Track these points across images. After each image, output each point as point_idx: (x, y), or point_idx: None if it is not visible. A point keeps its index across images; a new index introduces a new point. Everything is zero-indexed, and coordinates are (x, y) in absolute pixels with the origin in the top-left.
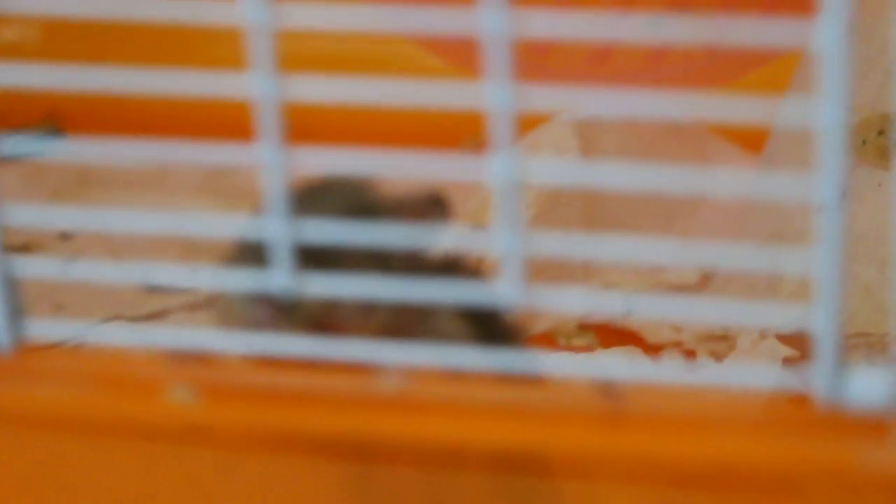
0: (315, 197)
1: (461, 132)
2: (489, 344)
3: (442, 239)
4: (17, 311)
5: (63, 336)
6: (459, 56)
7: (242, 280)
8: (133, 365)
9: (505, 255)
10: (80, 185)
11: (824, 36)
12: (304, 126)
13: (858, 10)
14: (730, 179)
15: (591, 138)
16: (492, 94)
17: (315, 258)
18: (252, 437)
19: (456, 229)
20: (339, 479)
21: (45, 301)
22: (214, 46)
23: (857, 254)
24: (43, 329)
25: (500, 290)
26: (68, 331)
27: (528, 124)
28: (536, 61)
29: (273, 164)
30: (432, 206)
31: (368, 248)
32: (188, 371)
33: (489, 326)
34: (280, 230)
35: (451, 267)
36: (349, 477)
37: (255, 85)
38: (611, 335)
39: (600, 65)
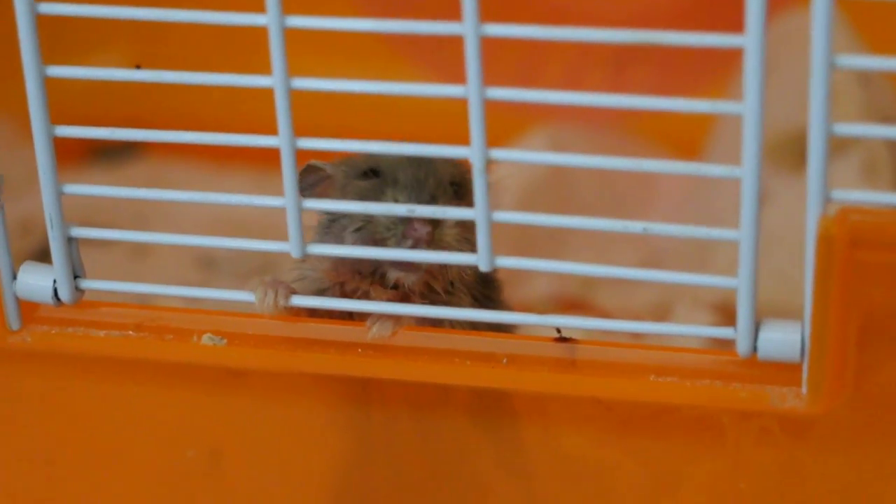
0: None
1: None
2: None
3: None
4: (76, 271)
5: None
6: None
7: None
8: (171, 315)
9: (478, 225)
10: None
11: (745, 61)
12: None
13: (779, 40)
14: (673, 168)
15: (562, 148)
16: (472, 91)
17: None
18: (269, 377)
19: None
20: (346, 414)
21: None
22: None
23: (774, 243)
24: (96, 286)
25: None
26: (118, 287)
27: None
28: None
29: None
30: None
31: None
32: (216, 320)
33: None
34: (293, 207)
35: None
36: (354, 412)
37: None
38: (571, 306)
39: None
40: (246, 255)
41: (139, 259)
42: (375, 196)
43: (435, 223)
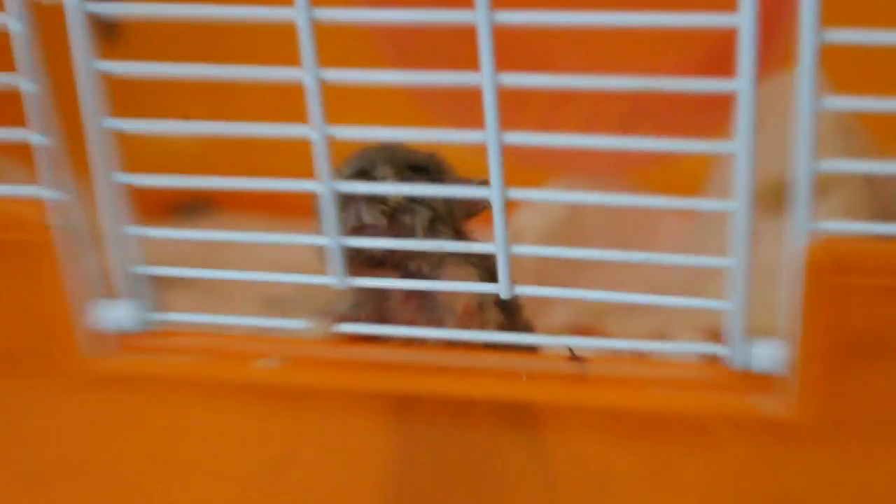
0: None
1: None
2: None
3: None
4: (153, 305)
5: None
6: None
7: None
8: (233, 342)
9: (499, 257)
10: None
11: (738, 103)
12: None
13: (764, 100)
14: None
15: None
16: (490, 136)
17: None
18: (321, 394)
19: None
20: (391, 424)
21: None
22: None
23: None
24: (171, 318)
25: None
26: (188, 319)
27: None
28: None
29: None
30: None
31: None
32: (273, 346)
33: (511, 311)
34: (334, 241)
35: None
36: (397, 423)
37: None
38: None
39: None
40: (306, 295)
41: (217, 301)
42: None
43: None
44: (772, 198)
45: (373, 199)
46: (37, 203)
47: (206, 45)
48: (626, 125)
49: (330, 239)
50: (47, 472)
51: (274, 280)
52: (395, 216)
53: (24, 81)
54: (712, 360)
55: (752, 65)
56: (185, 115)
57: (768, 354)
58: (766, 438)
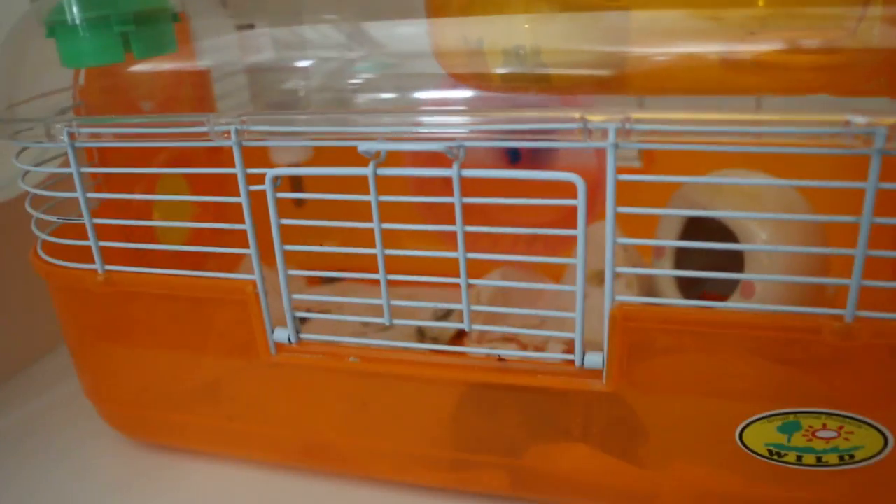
0: None
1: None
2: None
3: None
4: (298, 330)
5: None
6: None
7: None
8: (336, 348)
9: (464, 311)
10: None
11: (577, 242)
12: None
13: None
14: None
15: (507, 279)
16: (461, 257)
17: None
18: (389, 376)
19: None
20: (455, 395)
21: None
22: None
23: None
24: (307, 337)
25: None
26: (316, 337)
27: (481, 271)
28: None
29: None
30: None
31: None
32: (355, 351)
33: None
34: (384, 301)
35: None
36: (458, 393)
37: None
38: (507, 339)
39: (511, 249)
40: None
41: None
42: None
43: None
44: (593, 277)
45: None
46: (250, 281)
47: (341, 212)
48: (530, 242)
49: (384, 300)
50: (252, 405)
51: (360, 320)
52: None
53: (248, 229)
54: (569, 361)
55: (584, 226)
56: (320, 242)
57: (595, 359)
58: (595, 400)
